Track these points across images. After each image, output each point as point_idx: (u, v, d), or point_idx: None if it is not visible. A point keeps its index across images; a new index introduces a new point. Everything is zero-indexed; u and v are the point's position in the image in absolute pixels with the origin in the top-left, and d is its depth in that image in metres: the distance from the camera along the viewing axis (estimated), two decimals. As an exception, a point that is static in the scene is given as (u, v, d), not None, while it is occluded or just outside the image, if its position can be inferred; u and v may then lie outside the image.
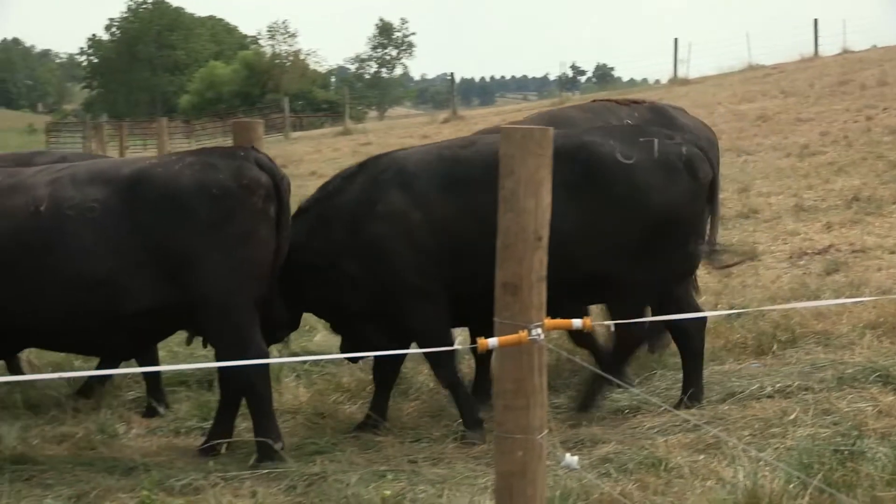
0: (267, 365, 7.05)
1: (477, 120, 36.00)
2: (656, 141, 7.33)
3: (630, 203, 7.22)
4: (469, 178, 7.30)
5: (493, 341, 4.53)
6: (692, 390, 7.75)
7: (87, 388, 8.43)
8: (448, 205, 7.36)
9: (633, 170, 7.21)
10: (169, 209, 6.86)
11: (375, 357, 7.77)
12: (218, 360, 7.03)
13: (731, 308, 9.90)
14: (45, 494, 6.27)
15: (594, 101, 9.56)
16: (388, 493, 6.01)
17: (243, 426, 7.57)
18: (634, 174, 7.22)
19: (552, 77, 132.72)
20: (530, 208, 4.59)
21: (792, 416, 7.03)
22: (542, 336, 4.55)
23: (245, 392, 7.13)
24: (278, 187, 7.07)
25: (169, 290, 6.88)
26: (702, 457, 6.48)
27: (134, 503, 6.08)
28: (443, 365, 7.56)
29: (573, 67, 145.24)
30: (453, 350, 7.49)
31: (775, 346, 8.88)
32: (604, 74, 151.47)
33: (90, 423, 7.62)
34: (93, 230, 6.82)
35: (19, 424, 7.47)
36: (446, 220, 7.35)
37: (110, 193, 6.91)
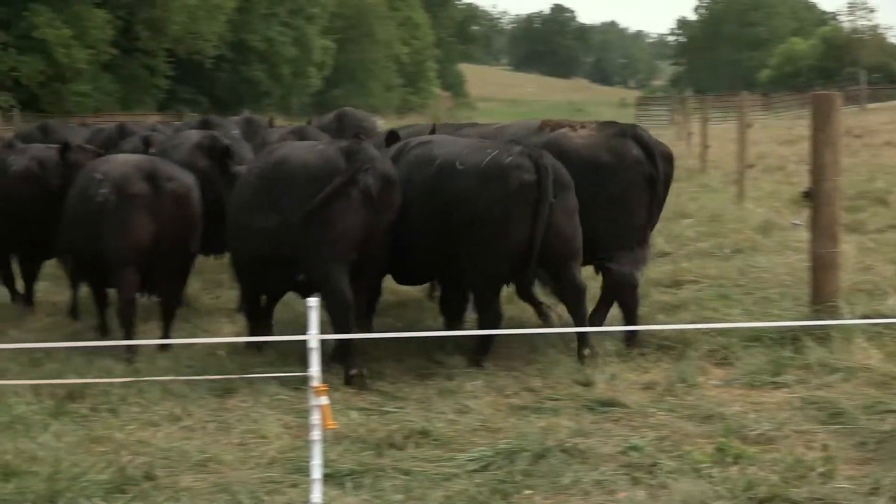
0: None
1: None
2: (494, 152, 7.88)
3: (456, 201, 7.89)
4: None
5: None
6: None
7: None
8: None
9: (462, 174, 7.89)
10: None
11: None
12: None
13: None
14: (630, 435, 6.36)
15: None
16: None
17: (815, 382, 7.30)
18: (461, 177, 7.89)
19: None
20: None
21: None
22: None
23: None
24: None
25: None
26: None
27: (711, 448, 6.02)
28: None
29: None
30: None
31: None
32: None
33: (672, 372, 7.64)
34: None
35: (610, 371, 7.63)
36: None
37: None
